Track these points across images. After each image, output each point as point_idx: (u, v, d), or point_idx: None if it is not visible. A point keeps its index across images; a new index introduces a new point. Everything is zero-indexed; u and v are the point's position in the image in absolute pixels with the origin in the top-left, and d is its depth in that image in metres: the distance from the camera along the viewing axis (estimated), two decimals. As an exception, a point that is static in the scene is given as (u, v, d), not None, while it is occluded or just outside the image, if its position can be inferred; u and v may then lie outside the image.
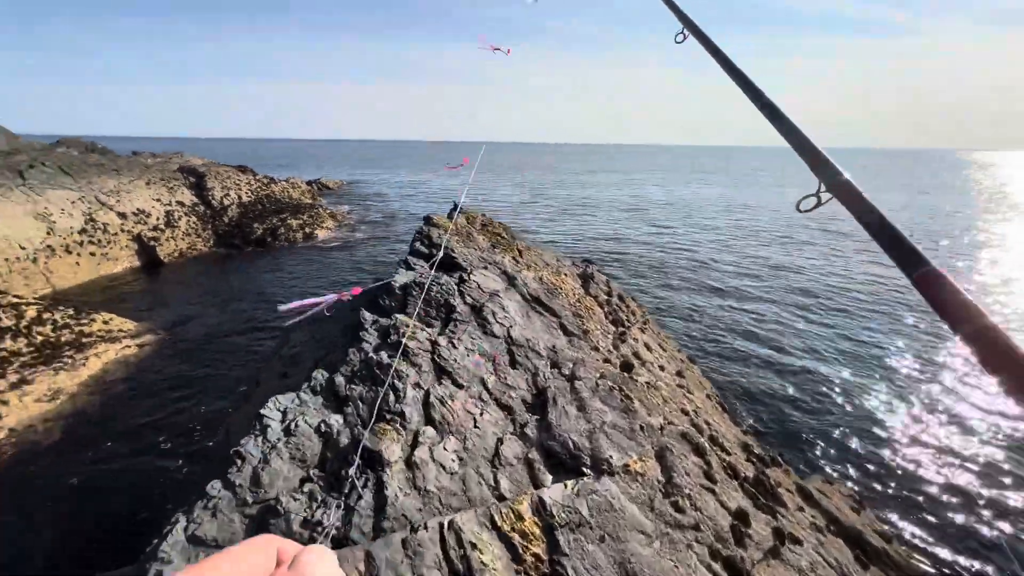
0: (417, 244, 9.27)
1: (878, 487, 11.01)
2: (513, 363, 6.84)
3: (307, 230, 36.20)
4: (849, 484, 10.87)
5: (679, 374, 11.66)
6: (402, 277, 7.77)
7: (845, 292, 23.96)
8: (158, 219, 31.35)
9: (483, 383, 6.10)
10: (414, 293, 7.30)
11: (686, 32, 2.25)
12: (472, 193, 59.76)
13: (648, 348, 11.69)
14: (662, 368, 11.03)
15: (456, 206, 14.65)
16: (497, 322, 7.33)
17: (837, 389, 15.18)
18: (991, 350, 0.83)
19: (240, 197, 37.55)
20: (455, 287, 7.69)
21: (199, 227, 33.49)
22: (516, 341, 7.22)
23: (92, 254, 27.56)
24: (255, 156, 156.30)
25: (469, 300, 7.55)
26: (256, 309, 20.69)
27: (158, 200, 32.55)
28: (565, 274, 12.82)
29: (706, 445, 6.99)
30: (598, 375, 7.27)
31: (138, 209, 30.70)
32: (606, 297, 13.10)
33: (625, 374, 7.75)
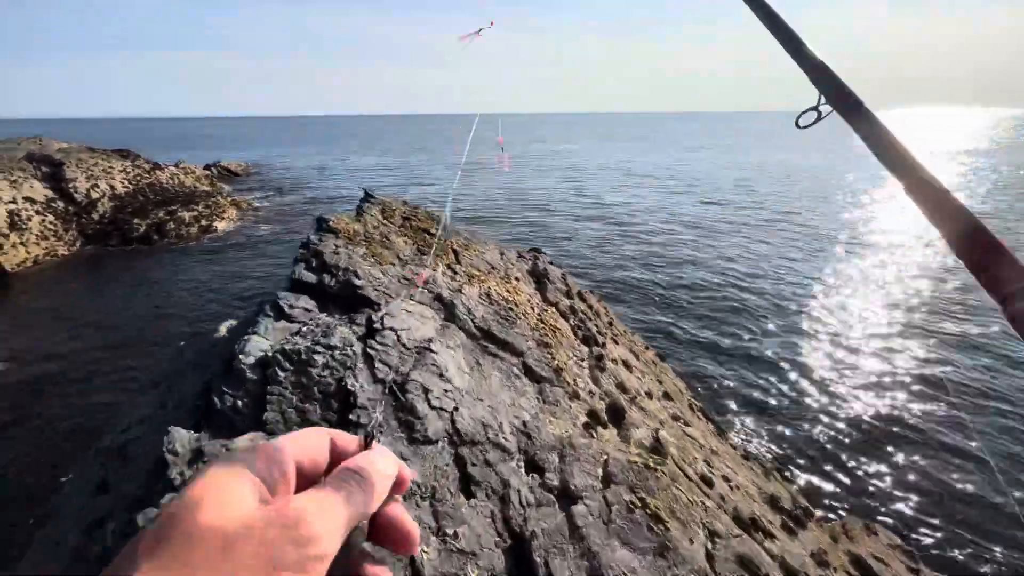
0: (301, 269, 5.89)
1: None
2: (467, 486, 3.92)
3: (203, 223, 30.50)
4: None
5: (666, 395, 9.26)
6: (259, 343, 4.44)
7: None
8: (-3, 222, 24.61)
9: (413, 565, 3.14)
10: (281, 376, 4.07)
11: None
12: (399, 175, 54.40)
13: (628, 366, 9.18)
14: (649, 394, 8.57)
15: (366, 195, 11.12)
16: (432, 407, 4.31)
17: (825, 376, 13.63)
18: (984, 251, 0.84)
19: (113, 188, 30.82)
20: (356, 351, 4.52)
21: (59, 227, 26.94)
22: (466, 436, 4.27)
23: (-100, 273, 20.93)
24: (144, 138, 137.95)
25: (382, 371, 4.45)
26: (125, 328, 16.02)
27: (-4, 197, 25.58)
28: (517, 278, 9.89)
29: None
30: (602, 477, 4.53)
31: (-34, 211, 23.83)
32: (568, 302, 10.37)
33: (640, 461, 5.01)
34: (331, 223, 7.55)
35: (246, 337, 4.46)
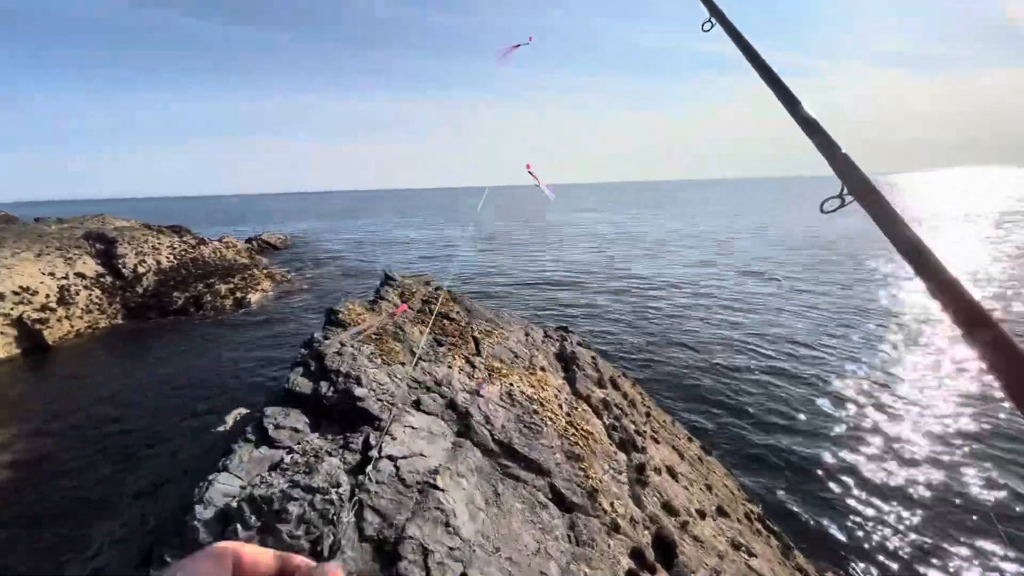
0: (297, 376, 5.16)
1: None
2: None
3: (238, 295, 31.09)
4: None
5: (721, 511, 7.80)
6: (225, 486, 3.60)
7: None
8: (48, 296, 25.60)
9: None
10: (243, 537, 3.20)
11: (713, 20, 2.11)
12: (430, 248, 55.47)
13: (672, 473, 7.85)
14: (702, 513, 7.18)
15: (386, 277, 10.65)
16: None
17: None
18: (1001, 353, 0.86)
19: (159, 263, 32.14)
20: (343, 492, 3.62)
21: (103, 301, 27.85)
22: (475, 622, 3.24)
23: (-50, 348, 21.60)
24: (202, 214, 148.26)
25: (374, 525, 3.51)
26: (139, 406, 15.57)
27: (50, 274, 26.82)
28: (543, 367, 8.93)
29: None
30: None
31: (20, 287, 24.92)
32: (600, 393, 9.26)
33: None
34: (340, 315, 6.94)
35: (211, 477, 3.64)
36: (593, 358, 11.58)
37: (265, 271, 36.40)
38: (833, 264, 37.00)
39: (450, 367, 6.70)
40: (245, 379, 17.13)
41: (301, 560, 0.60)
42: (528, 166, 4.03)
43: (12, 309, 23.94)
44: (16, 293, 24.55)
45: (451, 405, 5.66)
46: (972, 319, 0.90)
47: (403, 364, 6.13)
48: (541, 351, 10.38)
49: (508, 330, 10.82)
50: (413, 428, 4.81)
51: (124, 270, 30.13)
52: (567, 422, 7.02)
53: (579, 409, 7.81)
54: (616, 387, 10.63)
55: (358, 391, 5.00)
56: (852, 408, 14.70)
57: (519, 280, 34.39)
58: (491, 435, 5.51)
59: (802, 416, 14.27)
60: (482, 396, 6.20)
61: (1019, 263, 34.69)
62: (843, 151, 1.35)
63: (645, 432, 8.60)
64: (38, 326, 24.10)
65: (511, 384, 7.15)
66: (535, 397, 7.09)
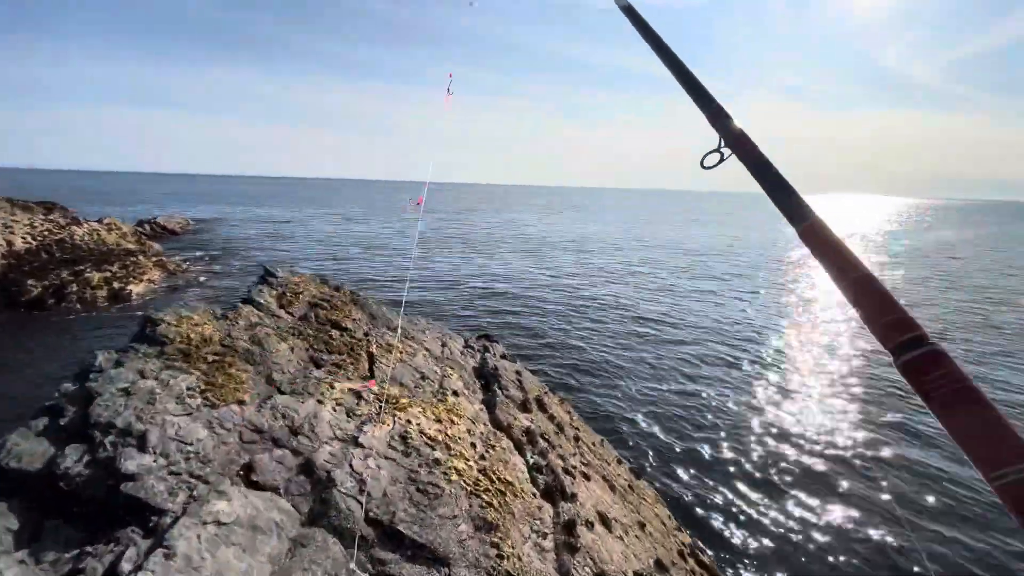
0: (22, 439, 3.12)
1: None
2: None
3: (116, 286, 26.39)
4: None
5: (659, 565, 6.59)
6: None
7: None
8: None
9: None
10: None
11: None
12: (357, 238, 51.43)
13: (605, 521, 6.52)
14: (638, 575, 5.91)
15: (265, 273, 8.47)
16: None
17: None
18: (867, 297, 0.88)
19: (10, 244, 26.51)
20: None
21: (-74, 288, 22.29)
22: None
23: None
24: (97, 191, 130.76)
25: None
26: None
27: None
28: (456, 391, 7.27)
29: None
30: None
31: None
32: (524, 420, 7.76)
33: None
34: (160, 327, 4.82)
35: None
36: (517, 373, 10.10)
37: (155, 259, 31.41)
38: (727, 264, 38.75)
39: (321, 401, 4.83)
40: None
41: None
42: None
43: None
44: None
45: (306, 468, 3.84)
46: (839, 266, 0.94)
47: (243, 403, 4.18)
48: (457, 368, 8.70)
49: (419, 341, 9.03)
50: (220, 525, 2.96)
51: (-40, 251, 24.39)
52: (480, 470, 5.42)
53: (497, 447, 6.25)
54: (543, 408, 9.22)
55: (131, 462, 3.06)
56: (758, 404, 14.57)
57: (447, 283, 32.42)
58: (365, 511, 3.77)
59: (710, 416, 13.85)
60: (362, 446, 4.43)
61: (896, 271, 38.47)
62: (717, 103, 1.36)
63: (575, 468, 7.22)
64: None
65: (409, 421, 5.43)
66: (439, 438, 5.42)
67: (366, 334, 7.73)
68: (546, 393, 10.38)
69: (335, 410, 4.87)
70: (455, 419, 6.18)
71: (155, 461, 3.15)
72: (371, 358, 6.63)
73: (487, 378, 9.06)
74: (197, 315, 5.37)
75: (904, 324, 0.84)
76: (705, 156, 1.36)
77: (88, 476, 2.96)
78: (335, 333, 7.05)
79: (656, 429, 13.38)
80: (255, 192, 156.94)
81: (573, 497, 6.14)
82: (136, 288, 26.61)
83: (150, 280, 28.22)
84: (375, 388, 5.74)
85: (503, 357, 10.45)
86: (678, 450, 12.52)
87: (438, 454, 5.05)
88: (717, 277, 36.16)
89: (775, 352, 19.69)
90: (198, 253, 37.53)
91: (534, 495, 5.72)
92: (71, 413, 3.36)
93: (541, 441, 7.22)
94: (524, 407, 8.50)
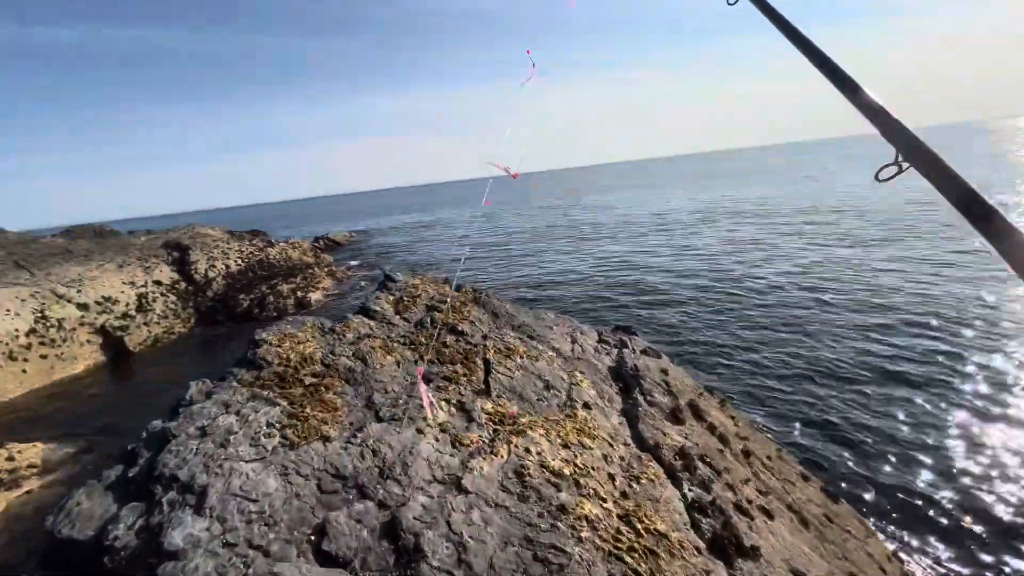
0: (76, 502, 2.86)
1: None
2: None
3: (299, 295, 30.79)
4: None
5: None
6: None
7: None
8: (128, 305, 26.49)
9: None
10: None
11: None
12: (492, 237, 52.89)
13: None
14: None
15: (385, 278, 8.23)
16: None
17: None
18: (981, 210, 0.92)
19: (228, 267, 32.70)
20: None
21: (179, 307, 28.54)
22: None
23: (43, 357, 22.63)
24: (284, 218, 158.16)
25: None
26: None
27: (131, 283, 27.82)
28: (587, 403, 6.07)
29: None
30: None
31: (103, 297, 25.91)
32: (677, 436, 6.20)
33: None
34: (259, 350, 4.54)
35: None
36: (664, 372, 8.44)
37: (327, 269, 36.14)
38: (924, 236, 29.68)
39: (421, 430, 4.06)
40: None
41: None
42: (498, 164, 4.06)
43: (96, 318, 24.92)
44: (99, 303, 25.55)
45: (390, 530, 3.04)
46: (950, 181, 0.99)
47: (328, 439, 3.57)
48: (589, 369, 7.45)
49: (545, 340, 7.99)
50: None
51: (196, 275, 30.86)
52: (621, 516, 4.16)
53: (643, 478, 4.89)
54: (699, 416, 7.47)
55: (179, 532, 2.53)
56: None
57: (570, 278, 31.07)
58: (463, 591, 2.85)
59: (928, 440, 10.06)
60: (465, 491, 3.52)
61: None
62: (892, 113, 1.28)
63: (751, 503, 5.47)
64: (119, 333, 24.90)
65: (528, 449, 4.41)
66: (566, 471, 4.29)
67: (485, 337, 6.93)
68: (701, 395, 8.53)
69: (437, 439, 4.03)
70: (587, 441, 4.98)
71: (209, 528, 2.59)
72: (487, 366, 5.78)
73: (626, 380, 7.65)
74: (301, 331, 5.07)
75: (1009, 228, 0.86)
76: (880, 170, 1.29)
77: (135, 549, 2.49)
78: (450, 339, 6.36)
79: (848, 438, 10.38)
80: (396, 203, 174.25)
81: (754, 552, 4.48)
82: (314, 295, 30.79)
83: (324, 288, 32.45)
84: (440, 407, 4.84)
85: (644, 353, 8.87)
86: (885, 469, 9.48)
87: (564, 496, 3.92)
88: (890, 240, 28.55)
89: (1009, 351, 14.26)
90: (358, 262, 42.23)
91: (698, 551, 4.24)
92: (143, 460, 3.00)
93: (701, 466, 5.60)
94: (675, 416, 6.89)
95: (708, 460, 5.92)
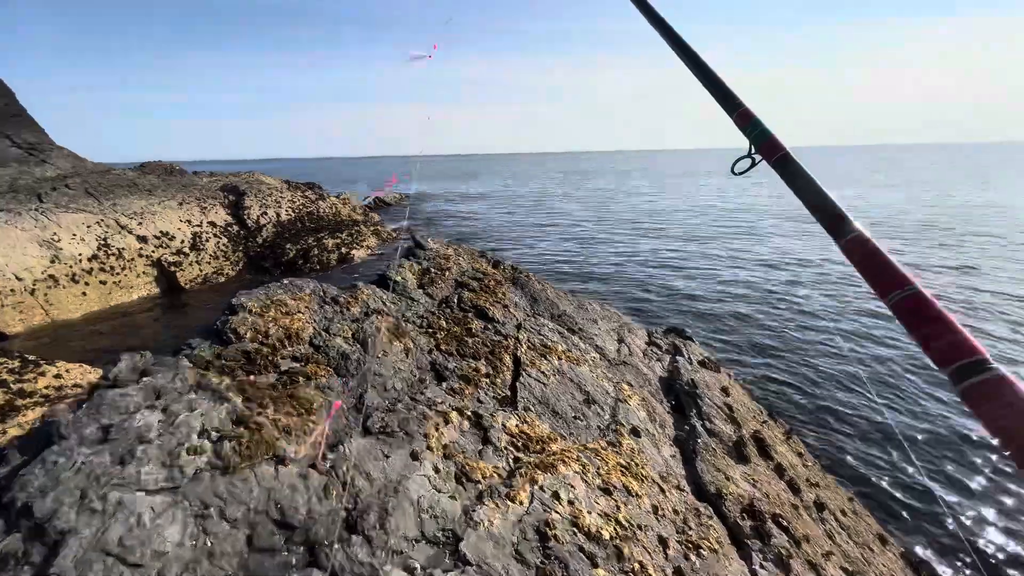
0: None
1: None
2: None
3: (343, 251, 30.65)
4: None
5: None
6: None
7: None
8: (183, 242, 27.13)
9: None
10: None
11: None
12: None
13: None
14: None
15: (415, 244, 7.19)
16: None
17: None
18: (920, 316, 0.80)
19: (279, 215, 32.94)
20: None
21: (229, 249, 29.01)
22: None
23: (103, 282, 23.52)
24: (350, 175, 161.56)
25: None
26: None
27: (188, 221, 28.48)
28: (635, 428, 4.83)
29: None
30: None
31: (161, 232, 26.63)
32: (743, 481, 4.88)
33: None
34: (233, 319, 3.57)
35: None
36: (724, 391, 7.05)
37: (373, 228, 35.95)
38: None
39: (417, 456, 2.98)
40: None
41: None
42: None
43: (154, 251, 25.71)
44: (157, 237, 26.32)
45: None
46: (885, 283, 0.85)
47: (283, 460, 2.55)
48: (638, 379, 6.18)
49: (588, 337, 6.75)
50: None
51: (248, 220, 31.30)
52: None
53: (704, 545, 3.66)
54: (765, 452, 6.10)
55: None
56: None
57: (617, 261, 29.17)
58: None
59: None
60: (465, 560, 2.44)
61: None
62: (744, 105, 1.27)
63: (836, 588, 4.16)
64: (173, 268, 25.59)
65: (557, 493, 3.28)
66: (605, 532, 3.14)
67: (519, 326, 5.78)
68: (765, 424, 7.08)
69: (437, 471, 2.94)
70: (633, 484, 3.78)
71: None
72: (516, 366, 4.64)
73: (679, 396, 6.33)
74: (294, 299, 4.06)
75: (963, 346, 0.74)
76: (736, 162, 1.27)
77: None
78: (476, 325, 5.25)
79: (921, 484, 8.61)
80: (454, 170, 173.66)
81: None
82: (357, 253, 30.59)
83: (368, 246, 32.22)
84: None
85: (703, 365, 7.48)
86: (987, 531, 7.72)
87: (601, 574, 2.77)
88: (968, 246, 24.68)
89: None
90: (406, 223, 41.88)
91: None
92: (3, 472, 2.06)
93: (776, 531, 4.31)
94: (739, 452, 5.56)
95: (782, 520, 4.60)
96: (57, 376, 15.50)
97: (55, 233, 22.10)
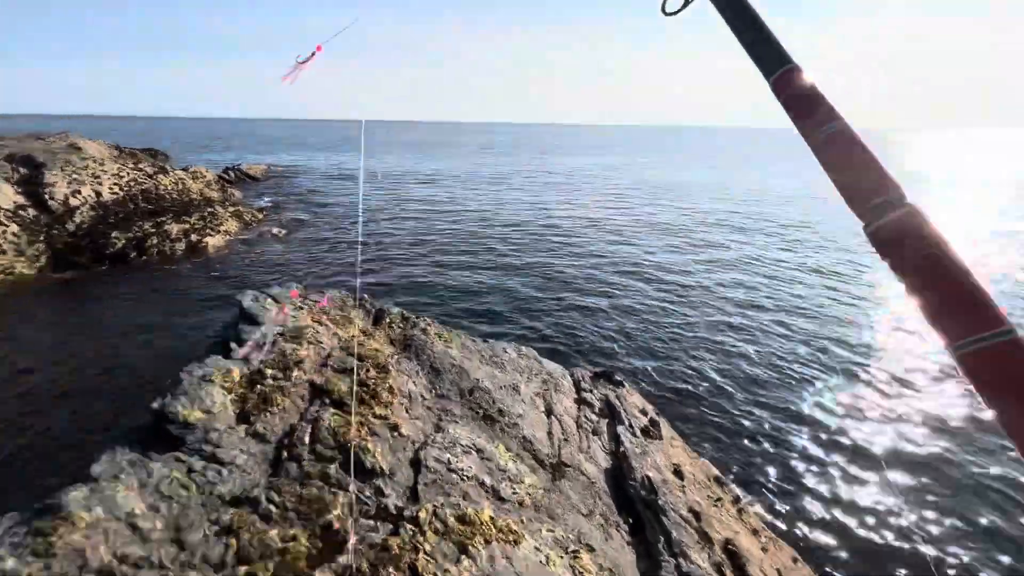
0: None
1: None
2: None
3: (193, 238, 24.94)
4: None
5: None
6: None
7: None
8: (-58, 234, 19.57)
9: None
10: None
11: None
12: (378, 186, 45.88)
13: None
14: None
15: (241, 316, 4.50)
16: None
17: None
18: (844, 148, 0.73)
19: (98, 194, 25.65)
20: None
21: (22, 241, 21.78)
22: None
23: None
24: (206, 136, 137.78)
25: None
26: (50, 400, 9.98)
27: (-54, 204, 20.60)
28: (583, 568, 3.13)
29: None
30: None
31: None
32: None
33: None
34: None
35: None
36: (678, 473, 5.71)
37: (232, 209, 29.87)
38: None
39: None
40: (168, 357, 11.17)
41: None
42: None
43: None
44: None
45: None
46: (820, 115, 0.77)
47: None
48: (583, 497, 4.49)
49: (512, 422, 4.84)
50: None
51: (52, 202, 23.71)
52: None
53: None
54: (738, 566, 4.89)
55: None
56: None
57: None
58: None
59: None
60: None
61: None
62: None
63: None
64: (-78, 272, 18.30)
65: None
66: None
67: (417, 461, 3.69)
68: (717, 501, 5.93)
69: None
70: None
71: None
72: (412, 572, 2.55)
73: (633, 504, 4.79)
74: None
75: (884, 185, 0.69)
76: (665, 1, 1.10)
77: None
78: (341, 499, 3.01)
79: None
80: (340, 136, 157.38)
81: None
82: (212, 240, 24.95)
83: (227, 231, 26.52)
84: None
85: (647, 433, 6.04)
86: None
87: None
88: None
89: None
90: (271, 201, 35.75)
91: None
92: None
93: None
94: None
95: None
96: None
97: None
